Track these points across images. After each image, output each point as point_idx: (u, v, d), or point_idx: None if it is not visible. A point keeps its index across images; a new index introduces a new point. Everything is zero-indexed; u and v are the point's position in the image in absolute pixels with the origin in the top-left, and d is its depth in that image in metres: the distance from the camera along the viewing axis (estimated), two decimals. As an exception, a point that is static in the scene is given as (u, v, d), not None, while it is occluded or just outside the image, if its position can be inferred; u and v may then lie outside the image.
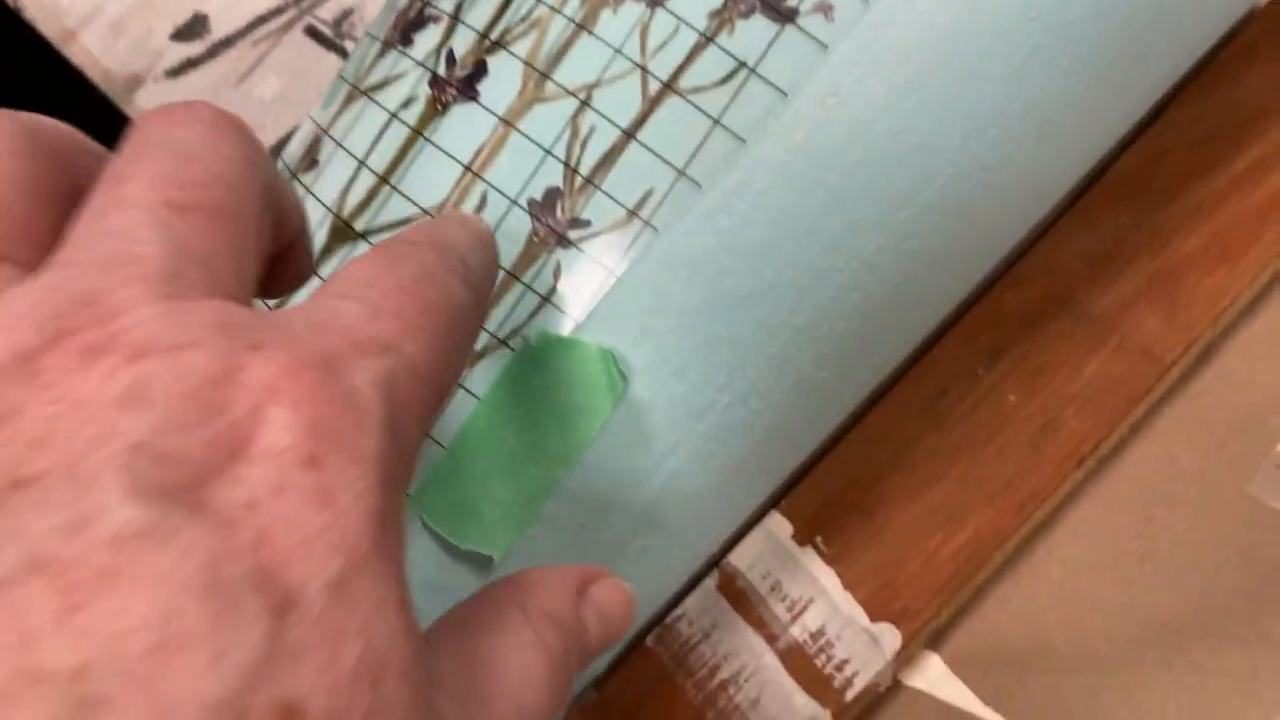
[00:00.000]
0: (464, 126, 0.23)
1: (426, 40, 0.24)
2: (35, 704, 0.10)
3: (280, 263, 0.17)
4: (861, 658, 0.25)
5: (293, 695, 0.11)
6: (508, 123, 0.23)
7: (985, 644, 0.26)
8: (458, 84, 0.23)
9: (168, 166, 0.14)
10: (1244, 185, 0.27)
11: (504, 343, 0.22)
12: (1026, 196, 0.25)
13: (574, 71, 0.22)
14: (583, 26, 0.22)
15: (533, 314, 0.22)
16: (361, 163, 0.24)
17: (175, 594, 0.11)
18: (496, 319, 0.22)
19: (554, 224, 0.22)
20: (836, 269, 0.22)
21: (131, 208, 0.14)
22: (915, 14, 0.21)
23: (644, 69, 0.22)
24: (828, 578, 0.26)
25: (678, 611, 0.27)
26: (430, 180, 0.23)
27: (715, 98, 0.22)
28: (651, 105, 0.22)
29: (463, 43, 0.23)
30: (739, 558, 0.27)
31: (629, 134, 0.22)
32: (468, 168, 0.23)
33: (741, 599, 0.26)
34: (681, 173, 0.22)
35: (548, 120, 0.22)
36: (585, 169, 0.22)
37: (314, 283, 0.22)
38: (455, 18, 0.24)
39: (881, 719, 0.26)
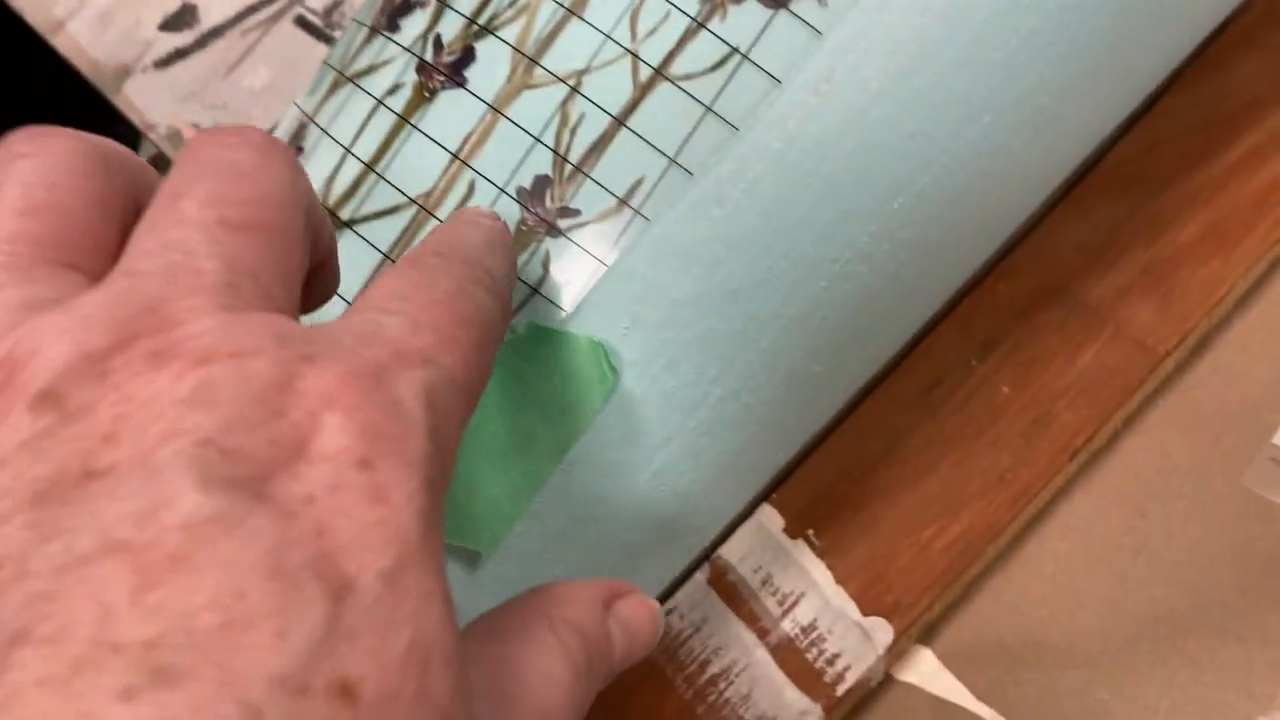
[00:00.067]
0: (451, 113, 0.22)
1: (413, 26, 0.24)
2: (113, 671, 0.11)
3: (312, 279, 0.18)
4: (853, 652, 0.25)
5: (349, 675, 0.12)
6: (496, 110, 0.22)
7: (978, 638, 0.25)
8: (445, 70, 0.23)
9: (221, 186, 0.16)
10: (1239, 174, 0.27)
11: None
12: (1021, 185, 0.24)
13: (563, 57, 0.22)
14: (572, 11, 0.22)
15: (521, 305, 0.22)
16: (347, 150, 0.23)
17: (242, 576, 0.12)
18: (484, 309, 0.22)
19: (543, 213, 0.22)
20: (830, 259, 0.22)
21: (189, 224, 0.15)
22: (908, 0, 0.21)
23: (634, 55, 0.22)
24: (819, 571, 0.26)
25: (669, 605, 0.26)
26: (417, 168, 0.22)
27: (707, 84, 0.21)
28: (642, 92, 0.22)
29: (450, 28, 0.23)
30: (730, 551, 0.26)
31: (619, 121, 0.22)
32: (455, 155, 0.22)
33: (733, 593, 0.26)
34: (673, 161, 0.21)
35: (537, 107, 0.22)
36: (575, 157, 0.22)
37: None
38: (443, 3, 0.23)
39: (873, 714, 0.25)
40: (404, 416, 0.14)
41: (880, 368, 0.26)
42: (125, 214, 0.16)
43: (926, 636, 0.26)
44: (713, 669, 0.26)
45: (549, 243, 0.22)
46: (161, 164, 0.41)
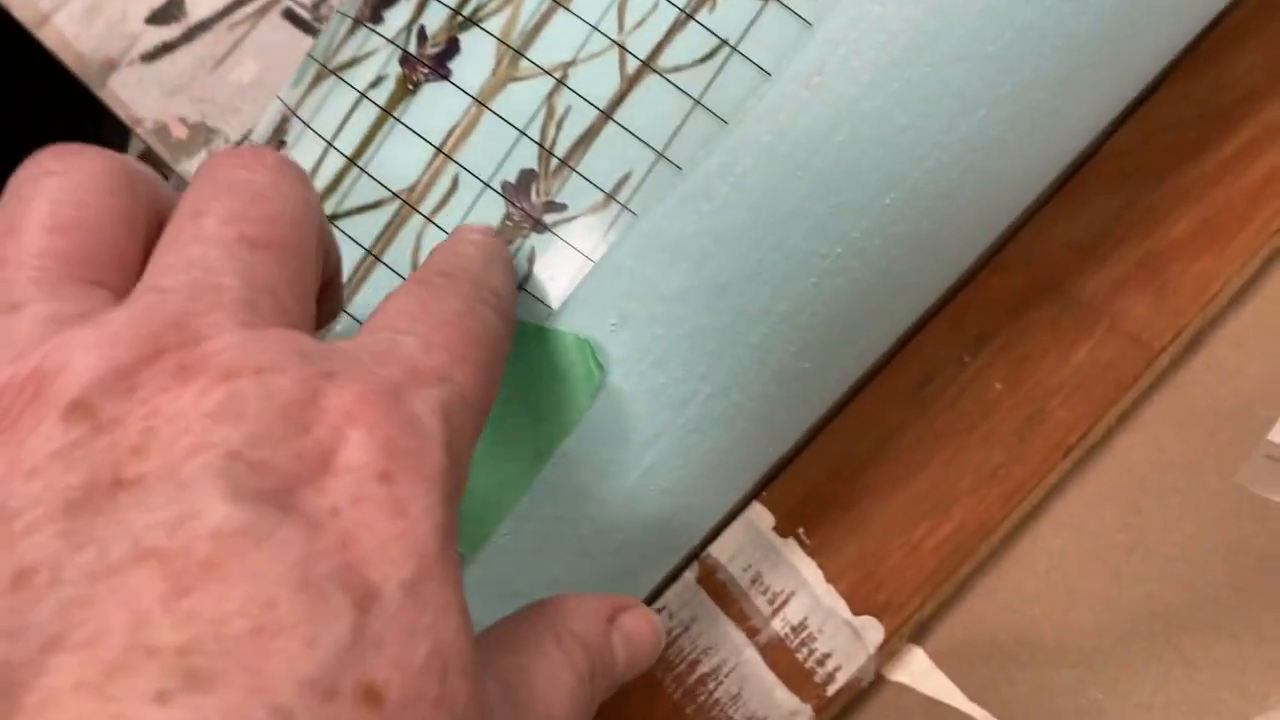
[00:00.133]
0: (435, 106, 0.22)
1: (397, 17, 0.23)
2: (148, 675, 0.12)
3: (320, 296, 0.18)
4: (844, 652, 0.25)
5: (375, 679, 0.13)
6: (480, 102, 0.22)
7: (970, 637, 0.25)
8: (429, 62, 0.22)
9: (239, 205, 0.16)
10: (1235, 168, 0.27)
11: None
12: (1015, 180, 0.24)
13: (549, 49, 0.21)
14: (558, 2, 0.22)
15: (507, 301, 0.21)
16: (330, 144, 0.23)
17: (271, 585, 0.12)
18: (469, 306, 0.21)
19: (528, 207, 0.21)
20: (820, 254, 0.22)
21: (210, 241, 0.16)
22: (902, -9, 0.21)
23: (622, 46, 0.21)
24: (809, 570, 0.26)
25: (658, 604, 0.26)
26: (400, 162, 0.22)
27: (696, 76, 0.21)
28: (629, 84, 0.21)
29: (435, 19, 0.23)
30: (720, 550, 0.26)
31: (606, 114, 0.21)
32: (439, 149, 0.22)
33: (722, 592, 0.26)
34: (661, 154, 0.21)
35: (522, 100, 0.21)
36: (561, 150, 0.21)
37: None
38: (426, -7, 0.23)
39: (864, 714, 0.25)
40: (421, 432, 0.14)
41: (871, 364, 0.26)
42: (149, 230, 0.17)
43: (918, 635, 0.25)
44: (702, 669, 0.25)
45: (534, 238, 0.21)
46: (150, 160, 0.41)
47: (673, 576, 0.26)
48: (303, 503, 0.13)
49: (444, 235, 0.22)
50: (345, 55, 0.24)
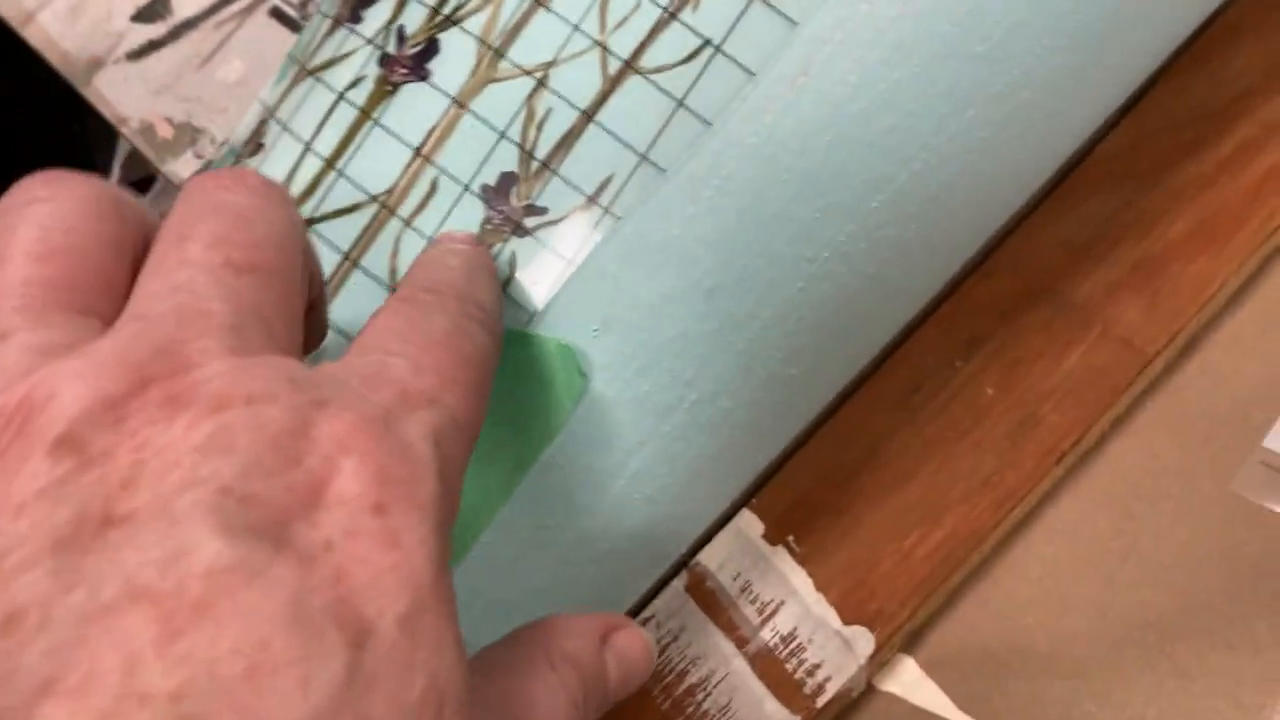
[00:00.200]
0: (414, 108, 0.22)
1: (377, 17, 0.23)
2: None
3: (306, 319, 0.18)
4: (834, 662, 0.24)
5: (370, 718, 0.12)
6: (460, 103, 0.21)
7: (962, 646, 0.25)
8: (408, 62, 0.22)
9: (224, 229, 0.16)
10: (1230, 168, 0.26)
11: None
12: (1006, 182, 0.23)
13: (530, 49, 0.21)
14: (539, 2, 0.21)
15: (486, 307, 0.21)
16: (307, 146, 0.22)
17: (265, 624, 0.12)
18: (448, 312, 0.21)
19: (509, 211, 0.21)
20: (807, 259, 0.21)
21: (195, 266, 0.15)
22: (889, -11, 0.20)
23: (603, 46, 0.21)
24: (799, 578, 0.25)
25: (646, 613, 0.26)
26: (378, 164, 0.22)
27: (679, 77, 0.21)
28: (612, 85, 0.21)
29: (414, 19, 0.22)
30: (709, 557, 0.26)
31: (588, 115, 0.21)
32: (417, 151, 0.21)
33: (711, 600, 0.25)
34: (644, 157, 0.21)
35: (502, 101, 0.21)
36: (542, 153, 0.21)
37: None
38: (406, -8, 0.22)
39: (855, 724, 0.25)
40: (414, 460, 0.14)
41: (861, 370, 0.25)
42: (137, 256, 0.16)
43: (909, 645, 0.25)
44: (691, 679, 0.25)
45: (515, 242, 0.21)
46: (137, 161, 0.40)
47: (661, 584, 0.26)
48: (295, 537, 0.13)
49: (423, 240, 0.21)
50: (324, 56, 0.23)
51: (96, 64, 0.39)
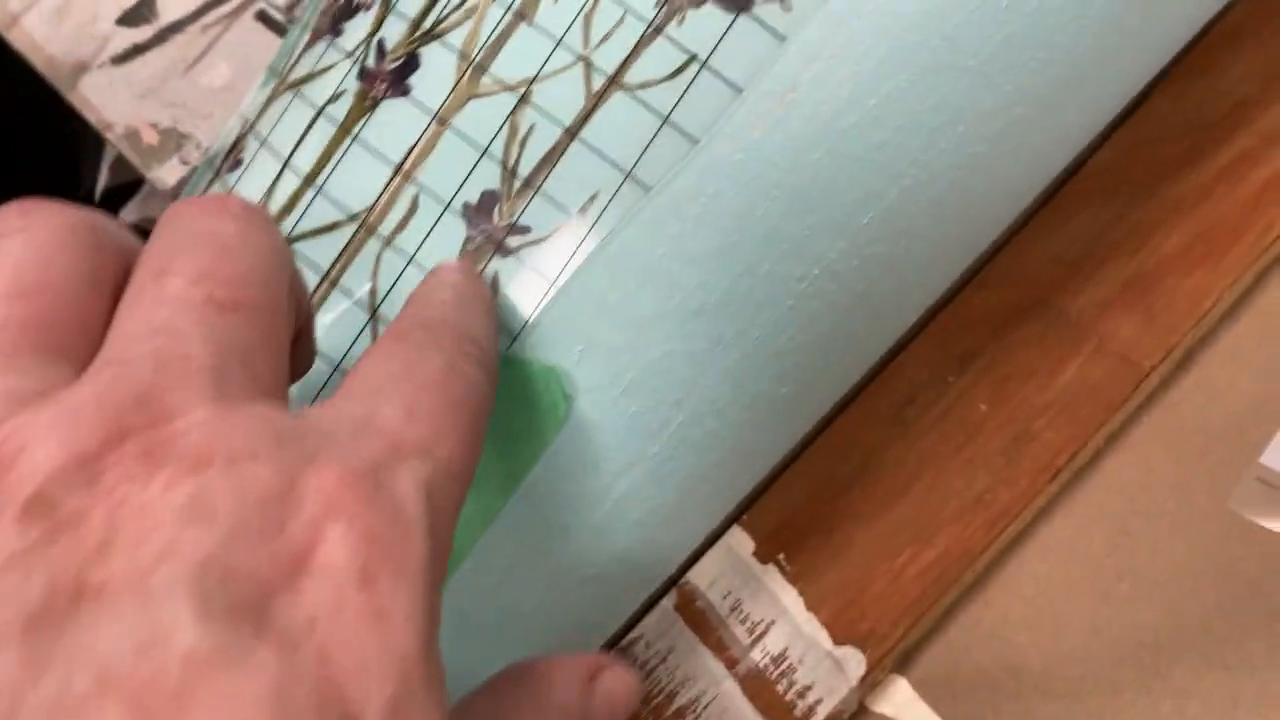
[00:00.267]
0: (394, 124, 0.21)
1: (357, 29, 0.22)
2: None
3: (292, 349, 0.17)
4: (825, 683, 0.24)
5: None
6: (441, 120, 0.21)
7: (955, 667, 0.24)
8: (388, 77, 0.21)
9: (207, 262, 0.15)
10: (1227, 179, 0.26)
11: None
12: (998, 197, 0.23)
13: (512, 64, 0.21)
14: (521, 15, 0.21)
15: (468, 328, 0.20)
16: (286, 162, 0.22)
17: (246, 716, 0.12)
18: (429, 334, 0.20)
19: (491, 230, 0.21)
20: (796, 277, 0.21)
21: (175, 304, 0.15)
22: (877, 3, 0.20)
23: (587, 62, 0.20)
24: (790, 598, 0.25)
25: (634, 633, 0.25)
26: (358, 182, 0.21)
27: (664, 93, 0.20)
28: (596, 101, 0.20)
29: (394, 32, 0.22)
30: (698, 576, 0.25)
31: (571, 132, 0.20)
32: (398, 168, 0.21)
33: (701, 620, 0.25)
34: (628, 174, 0.20)
35: (484, 117, 0.21)
36: (524, 170, 0.20)
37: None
38: (386, 5, 0.22)
39: (846, 746, 0.24)
40: (404, 519, 0.14)
41: (851, 388, 0.25)
42: (117, 287, 0.16)
43: (901, 665, 0.25)
44: (680, 700, 0.25)
45: (497, 262, 0.21)
46: (122, 166, 0.40)
47: (650, 604, 0.25)
48: (278, 614, 0.12)
49: (404, 259, 0.21)
50: (304, 68, 0.23)
51: (81, 68, 0.39)
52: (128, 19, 0.39)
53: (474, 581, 0.21)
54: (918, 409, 0.26)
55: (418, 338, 0.17)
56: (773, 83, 0.20)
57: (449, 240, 0.21)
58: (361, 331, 0.21)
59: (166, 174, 0.37)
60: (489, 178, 0.21)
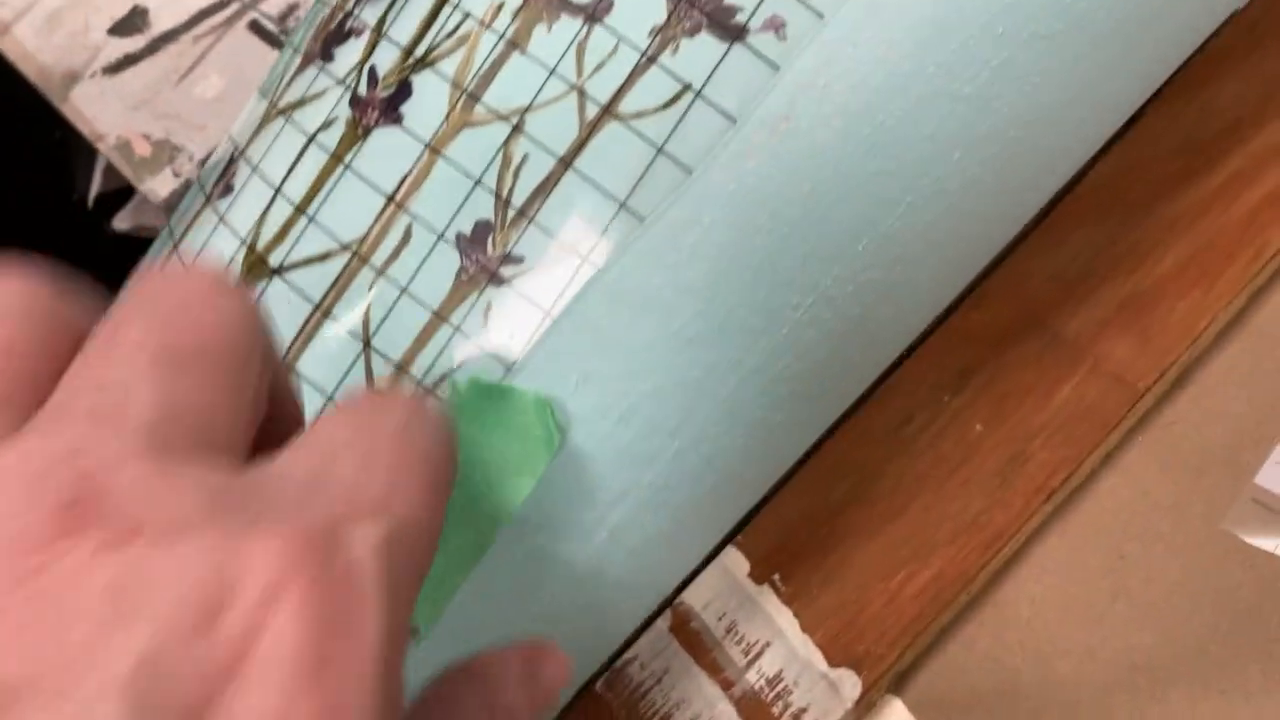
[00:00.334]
0: (386, 152, 0.21)
1: (348, 55, 0.22)
2: None
3: (269, 422, 0.17)
4: (820, 706, 0.24)
5: None
6: (434, 149, 0.21)
7: (950, 688, 0.25)
8: (380, 105, 0.21)
9: (164, 320, 0.15)
10: (1221, 199, 0.26)
11: (430, 391, 0.20)
12: (993, 221, 0.23)
13: (505, 93, 0.21)
14: (514, 44, 0.21)
15: (462, 360, 0.20)
16: (277, 190, 0.22)
17: None
18: (422, 365, 0.20)
19: (484, 260, 0.20)
20: (791, 305, 0.21)
21: (125, 360, 0.14)
22: (873, 31, 0.20)
23: (581, 91, 0.20)
24: (785, 619, 0.25)
25: (629, 655, 0.25)
26: (350, 211, 0.21)
27: (658, 122, 0.20)
28: (589, 131, 0.20)
29: (386, 59, 0.22)
30: (693, 597, 0.25)
31: (565, 162, 0.20)
32: (390, 198, 0.21)
33: (695, 641, 0.25)
34: (623, 204, 0.20)
35: (477, 146, 0.21)
36: (518, 200, 0.20)
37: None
38: (379, 31, 0.22)
39: (842, 769, 0.24)
40: (359, 588, 0.13)
41: (845, 413, 0.25)
42: (74, 349, 0.15)
43: (897, 686, 0.25)
44: (675, 723, 0.25)
45: (491, 292, 0.20)
46: (115, 172, 0.39)
47: (644, 624, 0.25)
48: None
49: (396, 289, 0.21)
50: (295, 94, 0.23)
51: (73, 78, 0.39)
52: (119, 29, 0.39)
53: (467, 613, 0.21)
54: (914, 428, 0.26)
55: (373, 397, 0.16)
56: (767, 112, 0.20)
57: (442, 270, 0.20)
58: (354, 363, 0.21)
59: (159, 185, 0.37)
60: (482, 207, 0.20)
